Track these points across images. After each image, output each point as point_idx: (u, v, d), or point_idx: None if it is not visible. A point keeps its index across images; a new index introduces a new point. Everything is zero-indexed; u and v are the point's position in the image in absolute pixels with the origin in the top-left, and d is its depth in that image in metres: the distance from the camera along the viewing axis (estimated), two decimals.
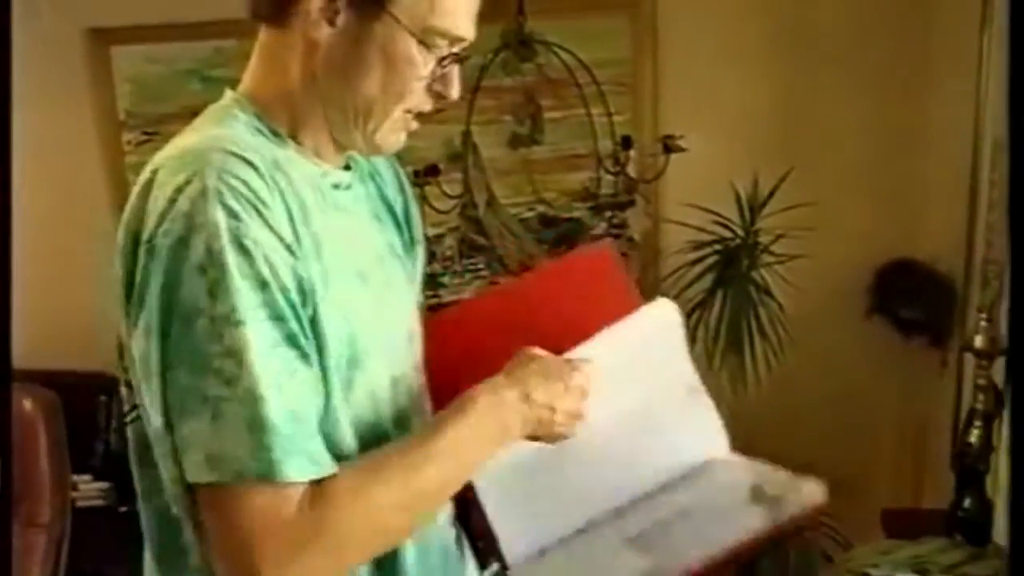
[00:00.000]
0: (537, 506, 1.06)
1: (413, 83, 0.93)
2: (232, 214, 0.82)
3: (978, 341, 1.92)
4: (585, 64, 2.08)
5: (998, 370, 1.97)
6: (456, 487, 0.96)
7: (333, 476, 0.85)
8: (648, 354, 1.09)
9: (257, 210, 0.83)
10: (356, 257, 0.97)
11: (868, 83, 2.35)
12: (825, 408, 2.42)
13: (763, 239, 2.22)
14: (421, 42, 0.91)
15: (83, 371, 2.25)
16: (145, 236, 0.84)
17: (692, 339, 2.15)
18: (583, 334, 1.03)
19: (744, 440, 1.17)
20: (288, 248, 0.85)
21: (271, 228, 0.84)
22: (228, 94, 0.98)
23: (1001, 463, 1.83)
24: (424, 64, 0.93)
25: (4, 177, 0.81)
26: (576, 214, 2.46)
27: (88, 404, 2.34)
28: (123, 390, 0.95)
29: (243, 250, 0.82)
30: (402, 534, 0.93)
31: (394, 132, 0.96)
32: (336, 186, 0.98)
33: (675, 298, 1.19)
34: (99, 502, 2.33)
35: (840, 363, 2.41)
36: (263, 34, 0.96)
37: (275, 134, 0.94)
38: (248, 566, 0.81)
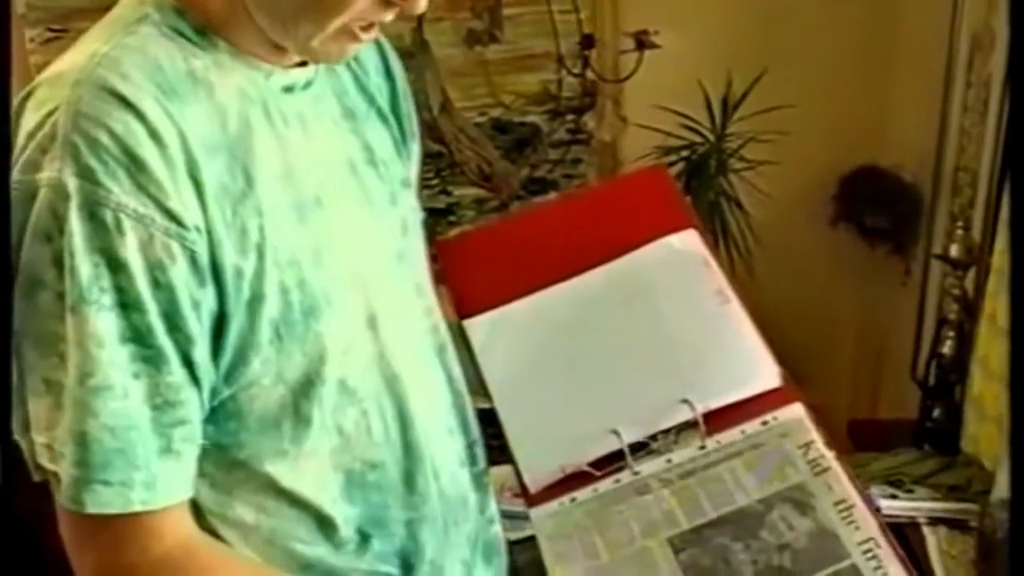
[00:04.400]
0: (561, 428, 0.95)
1: None
2: (87, 174, 0.67)
3: (954, 250, 1.88)
4: None
5: (970, 279, 1.94)
6: None
7: (202, 541, 0.76)
8: (664, 283, 1.00)
9: (127, 170, 0.68)
10: (312, 177, 0.80)
11: None
12: (788, 316, 2.37)
13: (731, 144, 2.12)
14: None
15: None
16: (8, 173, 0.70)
17: None
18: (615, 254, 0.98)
19: None
20: (171, 215, 0.70)
21: (146, 192, 0.69)
22: None
23: (974, 373, 1.80)
24: None
25: (4, 171, 0.71)
26: (532, 119, 2.32)
27: None
28: None
29: (96, 220, 0.68)
30: None
31: (336, 43, 0.79)
32: (288, 88, 0.81)
33: None
34: None
35: (804, 271, 2.35)
36: None
37: (201, 34, 0.76)
38: None
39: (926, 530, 1.58)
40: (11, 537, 0.73)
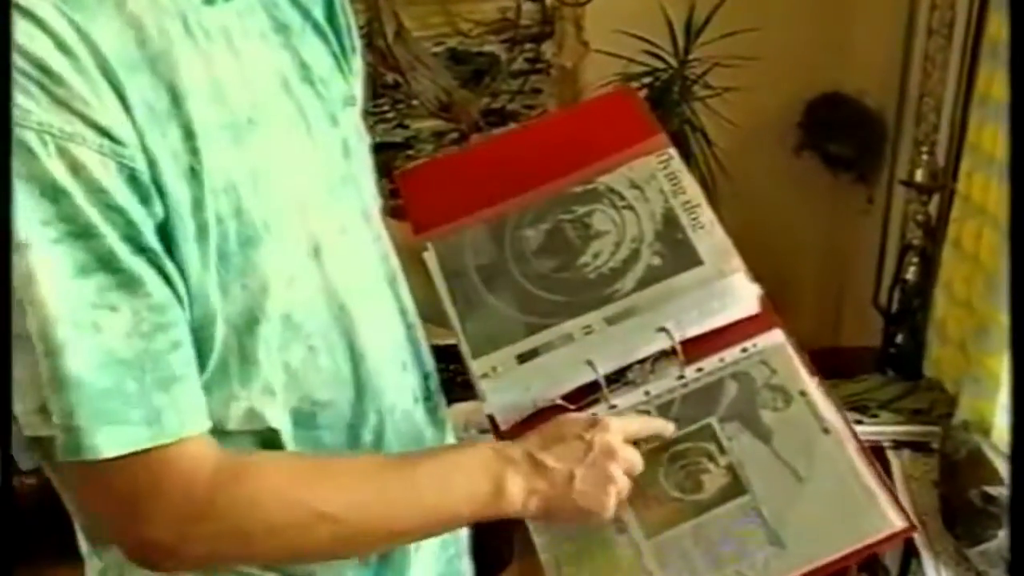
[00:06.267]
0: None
1: None
2: None
3: (918, 176, 1.87)
4: None
5: (933, 204, 1.93)
6: (408, 536, 0.80)
7: (260, 456, 0.71)
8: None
9: (41, 86, 0.60)
10: (244, 96, 0.73)
11: None
12: (751, 244, 2.35)
13: (694, 70, 2.07)
14: None
15: None
16: None
17: None
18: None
19: None
20: (102, 131, 0.62)
21: (68, 107, 0.61)
22: None
23: (938, 298, 1.80)
24: None
25: (4, 171, 0.62)
26: (490, 48, 2.25)
27: None
28: None
29: (20, 145, 0.60)
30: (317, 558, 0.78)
31: None
32: (209, 1, 0.73)
33: None
34: None
35: (767, 199, 2.33)
36: None
37: None
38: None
39: (890, 454, 1.59)
40: (11, 536, 0.68)
